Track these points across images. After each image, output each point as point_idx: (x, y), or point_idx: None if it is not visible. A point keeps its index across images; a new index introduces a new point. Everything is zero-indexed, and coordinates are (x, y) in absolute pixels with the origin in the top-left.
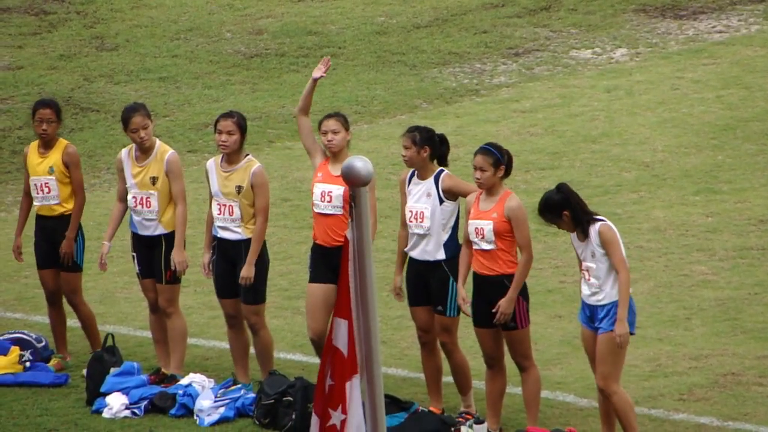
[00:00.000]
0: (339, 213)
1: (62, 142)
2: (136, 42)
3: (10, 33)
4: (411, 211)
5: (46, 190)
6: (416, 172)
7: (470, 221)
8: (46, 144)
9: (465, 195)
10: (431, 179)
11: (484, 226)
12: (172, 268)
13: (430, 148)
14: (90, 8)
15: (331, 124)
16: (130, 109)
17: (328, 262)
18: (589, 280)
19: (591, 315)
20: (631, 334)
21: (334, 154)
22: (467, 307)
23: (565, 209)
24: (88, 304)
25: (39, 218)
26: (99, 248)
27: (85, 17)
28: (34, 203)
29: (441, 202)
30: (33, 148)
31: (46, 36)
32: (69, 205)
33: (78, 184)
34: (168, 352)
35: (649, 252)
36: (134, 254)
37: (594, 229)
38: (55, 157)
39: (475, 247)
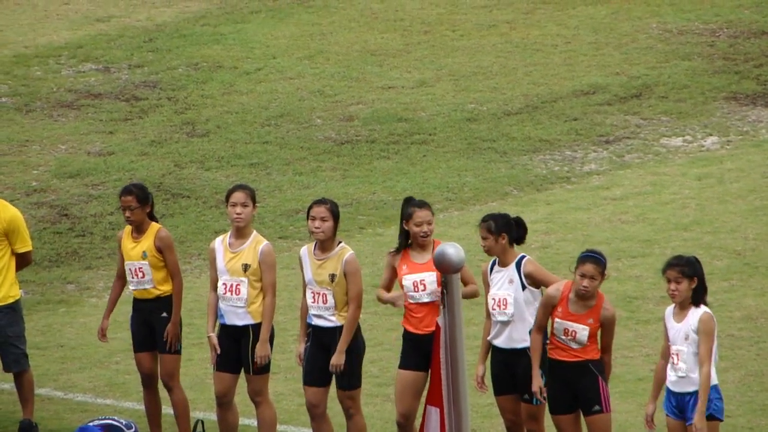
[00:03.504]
0: (436, 299)
1: (154, 227)
2: (226, 128)
3: (102, 119)
4: (494, 299)
5: (140, 274)
6: (497, 259)
7: (559, 320)
8: (138, 229)
9: (546, 285)
10: (513, 266)
11: (577, 329)
12: (255, 360)
13: (507, 234)
14: (181, 94)
15: (427, 215)
16: (237, 185)
17: (418, 348)
18: (677, 364)
19: (677, 404)
20: (720, 420)
21: (421, 246)
22: (546, 393)
23: (698, 276)
24: (183, 389)
25: (136, 301)
26: (197, 340)
27: (176, 103)
28: (130, 287)
29: (524, 288)
30: (127, 232)
31: (137, 122)
32: (164, 288)
33: (174, 267)
34: None
35: (741, 340)
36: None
37: (696, 313)
38: (147, 242)
39: (559, 341)
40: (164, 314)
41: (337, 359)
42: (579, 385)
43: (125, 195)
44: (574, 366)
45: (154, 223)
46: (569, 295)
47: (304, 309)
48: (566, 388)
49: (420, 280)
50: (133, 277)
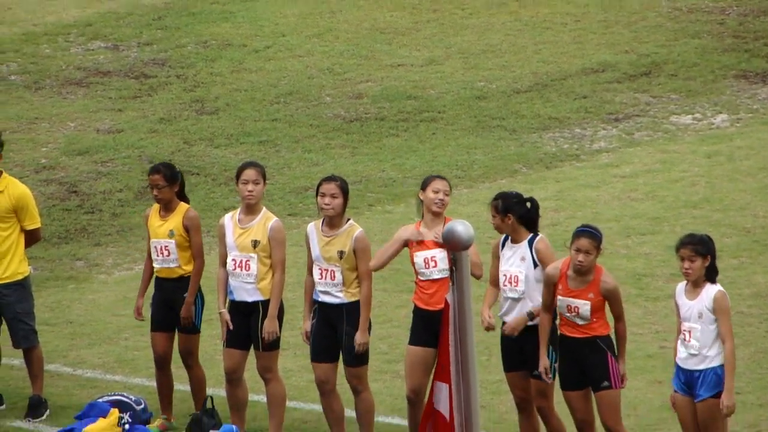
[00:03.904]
0: (447, 276)
1: (183, 206)
2: (236, 106)
3: (111, 96)
4: (505, 275)
5: (165, 253)
6: (511, 237)
7: (561, 297)
8: (166, 207)
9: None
10: (525, 243)
11: (579, 305)
12: (263, 336)
13: (513, 214)
14: (190, 72)
15: (445, 185)
16: (248, 162)
17: (428, 325)
18: (688, 341)
19: (686, 381)
20: None
21: (436, 215)
22: (550, 375)
23: (711, 255)
24: (201, 366)
25: (158, 280)
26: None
27: (185, 81)
28: (154, 265)
29: (535, 265)
30: (154, 210)
31: (147, 99)
32: (188, 267)
33: (197, 249)
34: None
35: (750, 317)
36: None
37: (711, 291)
38: (175, 221)
39: (566, 318)
40: (186, 295)
41: (362, 337)
42: (587, 361)
43: (153, 173)
44: (582, 342)
45: (182, 202)
46: (567, 272)
47: (309, 287)
48: (576, 365)
49: (431, 257)
50: (158, 255)
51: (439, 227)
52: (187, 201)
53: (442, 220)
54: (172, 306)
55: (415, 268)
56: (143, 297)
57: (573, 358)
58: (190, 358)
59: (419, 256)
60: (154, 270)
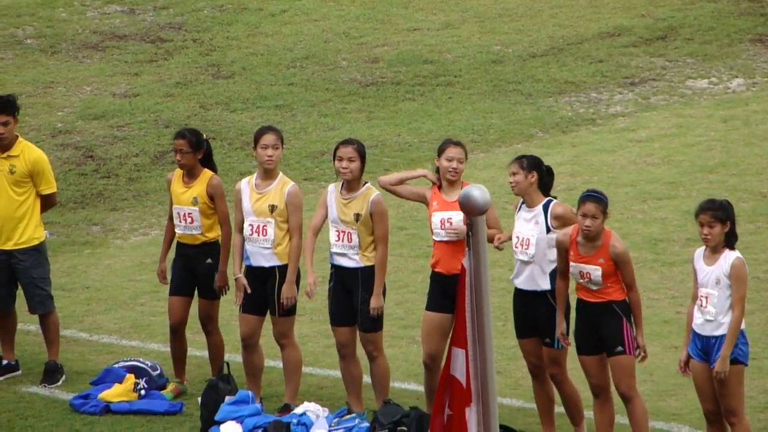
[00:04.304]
0: (461, 239)
1: (207, 173)
2: (252, 70)
3: (127, 60)
4: (517, 237)
5: (188, 219)
6: (525, 200)
7: (573, 263)
8: (189, 173)
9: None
10: (540, 207)
11: (591, 271)
12: (282, 301)
13: (537, 173)
14: (206, 36)
15: (459, 152)
16: (266, 126)
17: (444, 290)
18: (705, 307)
19: (703, 347)
20: (745, 365)
21: (451, 183)
22: (568, 340)
23: (731, 220)
24: (221, 332)
25: (180, 245)
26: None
27: (201, 45)
28: (176, 230)
29: (548, 230)
30: (177, 176)
31: (163, 63)
32: (210, 234)
33: (223, 216)
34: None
35: (766, 282)
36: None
37: (729, 258)
38: (199, 188)
39: (580, 283)
40: (209, 260)
41: (377, 302)
42: (602, 325)
43: (178, 138)
44: (597, 306)
45: (206, 169)
46: (577, 238)
47: (310, 246)
48: (592, 329)
49: (447, 218)
50: (180, 222)
51: (457, 192)
52: (214, 169)
53: (458, 186)
54: (193, 272)
55: (431, 227)
56: (165, 260)
57: (589, 322)
58: (210, 324)
59: (437, 216)
60: (176, 235)
